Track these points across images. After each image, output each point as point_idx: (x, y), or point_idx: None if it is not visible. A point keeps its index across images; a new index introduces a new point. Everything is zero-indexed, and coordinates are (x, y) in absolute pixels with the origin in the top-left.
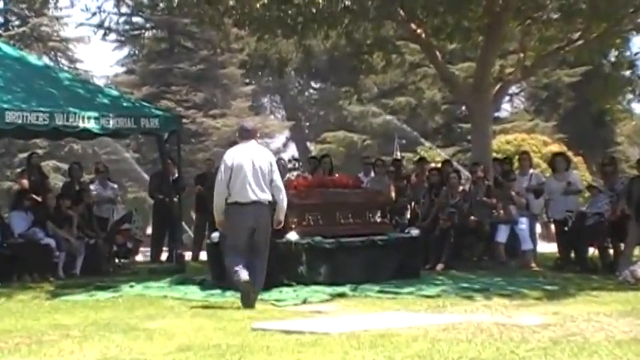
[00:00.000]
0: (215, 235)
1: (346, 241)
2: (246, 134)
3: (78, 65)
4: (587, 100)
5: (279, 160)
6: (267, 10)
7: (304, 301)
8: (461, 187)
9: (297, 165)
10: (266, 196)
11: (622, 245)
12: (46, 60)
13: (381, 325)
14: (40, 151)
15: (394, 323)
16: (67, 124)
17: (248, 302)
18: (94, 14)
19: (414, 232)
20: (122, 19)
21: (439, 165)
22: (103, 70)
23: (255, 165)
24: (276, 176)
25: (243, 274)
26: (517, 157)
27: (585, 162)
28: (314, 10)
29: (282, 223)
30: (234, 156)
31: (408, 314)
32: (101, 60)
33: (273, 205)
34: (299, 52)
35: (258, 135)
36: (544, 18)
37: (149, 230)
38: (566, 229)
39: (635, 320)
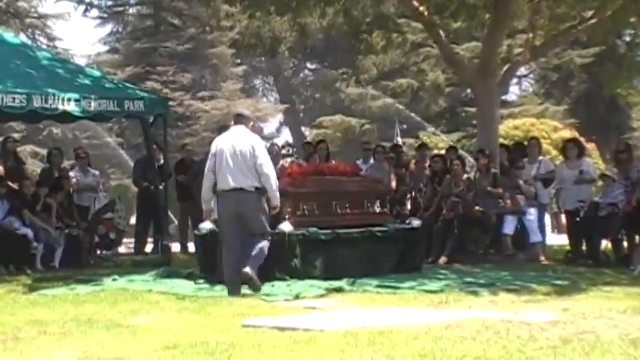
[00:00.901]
0: (203, 226)
1: (343, 232)
2: (237, 119)
3: (57, 43)
4: (600, 83)
5: (272, 146)
6: None
7: (297, 296)
8: (465, 176)
9: (291, 151)
10: (249, 182)
11: (637, 237)
12: (23, 38)
13: (380, 322)
14: (16, 136)
15: (394, 320)
16: (45, 107)
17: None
18: None
19: (416, 223)
20: None
21: (442, 152)
22: (84, 49)
23: (236, 149)
24: (262, 160)
25: (232, 289)
26: (526, 143)
27: (598, 149)
28: None
29: (278, 208)
30: (217, 143)
31: (408, 310)
32: (82, 38)
33: (263, 191)
34: (293, 31)
35: (252, 123)
36: None
37: (133, 220)
38: (577, 220)
39: None
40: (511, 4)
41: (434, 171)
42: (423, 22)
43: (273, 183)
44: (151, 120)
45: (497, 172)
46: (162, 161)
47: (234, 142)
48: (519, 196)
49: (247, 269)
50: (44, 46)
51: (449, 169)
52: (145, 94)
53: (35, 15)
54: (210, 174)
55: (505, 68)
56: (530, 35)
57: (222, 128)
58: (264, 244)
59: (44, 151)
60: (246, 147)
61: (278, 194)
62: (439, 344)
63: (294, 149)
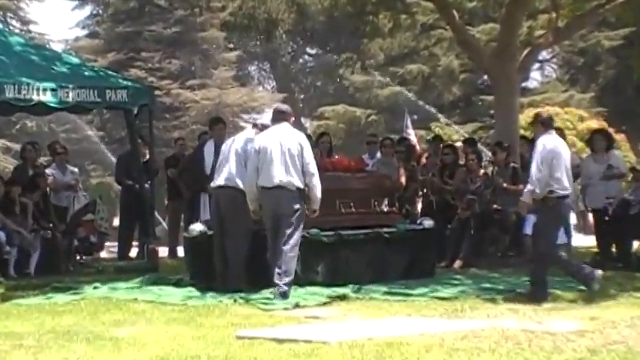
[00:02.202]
0: (194, 227)
1: (348, 233)
2: (278, 116)
3: (31, 27)
4: (630, 68)
5: None
6: None
7: (297, 305)
8: (482, 171)
9: None
10: (293, 181)
11: None
12: None
13: (389, 333)
14: None
15: (404, 330)
16: (18, 97)
17: None
18: None
19: (428, 223)
20: None
21: (456, 143)
22: (62, 34)
23: (283, 147)
24: (308, 160)
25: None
26: None
27: (629, 140)
28: None
29: (317, 213)
30: (262, 139)
31: (420, 320)
32: (59, 21)
33: (304, 191)
34: (291, 12)
35: (293, 118)
36: None
37: (116, 222)
38: (606, 219)
39: None
40: None
41: (444, 163)
42: (434, 1)
43: (318, 185)
44: (136, 111)
45: (517, 167)
46: (147, 157)
47: (281, 139)
48: None
49: (284, 288)
50: (17, 31)
51: (465, 163)
52: (129, 83)
53: None
54: (254, 171)
55: (525, 52)
56: (553, 15)
57: (213, 120)
58: (292, 249)
59: (17, 147)
60: (295, 145)
61: (320, 197)
62: (454, 357)
63: None
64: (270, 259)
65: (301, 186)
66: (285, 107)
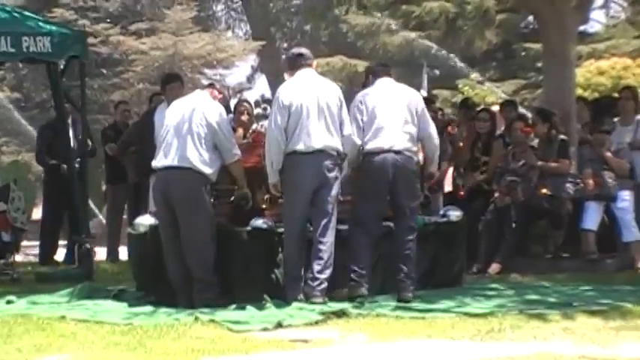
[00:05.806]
0: (141, 221)
1: (347, 229)
2: (300, 62)
3: None
4: None
5: (240, 104)
6: None
7: (280, 325)
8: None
9: (269, 110)
10: (335, 143)
11: None
12: None
13: None
14: None
15: (423, 357)
16: None
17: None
18: None
19: (455, 214)
20: None
21: (493, 107)
22: None
23: (321, 102)
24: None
25: (296, 292)
26: (616, 95)
27: None
28: None
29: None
30: (290, 93)
31: (444, 343)
32: None
33: (343, 155)
34: None
35: (316, 63)
36: None
37: (37, 214)
38: None
39: None
40: None
41: (478, 133)
42: None
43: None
44: (62, 65)
45: (566, 140)
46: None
47: (316, 91)
48: (607, 173)
49: (318, 298)
50: None
51: (502, 133)
52: (53, 28)
53: None
54: (281, 132)
55: None
56: None
57: (167, 78)
58: (330, 228)
59: None
60: (334, 99)
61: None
62: None
63: None
64: (291, 256)
65: (341, 149)
66: (304, 50)
